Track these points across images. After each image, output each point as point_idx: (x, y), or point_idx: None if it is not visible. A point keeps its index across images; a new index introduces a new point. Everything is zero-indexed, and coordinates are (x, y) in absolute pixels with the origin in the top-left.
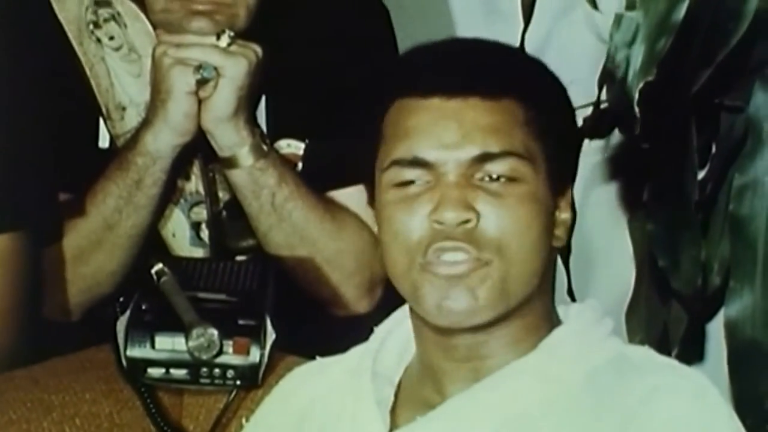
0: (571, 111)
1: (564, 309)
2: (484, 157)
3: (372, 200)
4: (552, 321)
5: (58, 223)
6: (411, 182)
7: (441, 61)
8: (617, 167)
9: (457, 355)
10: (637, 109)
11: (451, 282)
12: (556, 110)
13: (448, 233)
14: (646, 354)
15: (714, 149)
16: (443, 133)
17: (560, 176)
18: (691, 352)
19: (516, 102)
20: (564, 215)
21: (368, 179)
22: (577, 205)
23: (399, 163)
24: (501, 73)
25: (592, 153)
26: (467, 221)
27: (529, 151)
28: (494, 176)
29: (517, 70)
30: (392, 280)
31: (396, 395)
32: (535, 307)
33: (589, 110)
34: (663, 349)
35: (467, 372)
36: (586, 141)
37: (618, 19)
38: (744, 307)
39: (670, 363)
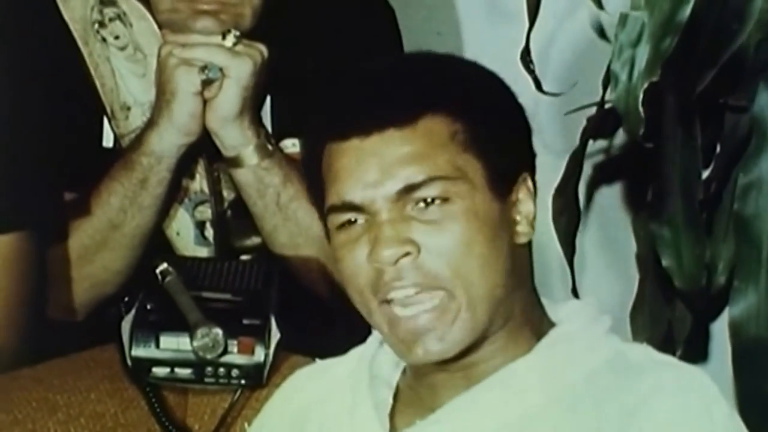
0: (511, 101)
1: (560, 307)
2: (409, 189)
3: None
4: (536, 315)
5: (62, 223)
6: (354, 221)
7: (354, 99)
8: (621, 167)
9: (447, 366)
10: (641, 109)
11: (416, 334)
12: (490, 109)
13: (392, 274)
14: (645, 352)
15: (718, 149)
16: (365, 174)
17: (507, 173)
18: (696, 352)
19: (437, 118)
20: (523, 207)
21: (323, 219)
22: (581, 205)
23: (333, 209)
24: (414, 95)
25: (596, 153)
26: (406, 254)
27: (458, 167)
28: (427, 200)
29: (433, 86)
30: None
31: (394, 398)
32: (513, 307)
33: (594, 110)
34: (667, 348)
35: (461, 380)
36: (591, 141)
37: (623, 19)
38: (748, 306)
39: (669, 361)
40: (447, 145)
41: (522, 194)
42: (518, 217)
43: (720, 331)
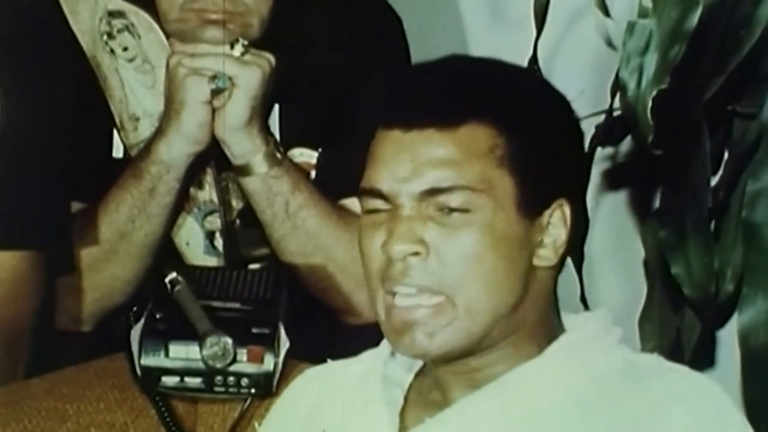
0: (565, 123)
1: (573, 318)
2: (434, 192)
3: None
4: (551, 327)
5: (70, 253)
6: (379, 210)
7: (405, 91)
8: (629, 174)
9: (457, 368)
10: (650, 117)
11: (407, 325)
12: (537, 128)
13: (400, 268)
14: (656, 361)
15: (727, 156)
16: (397, 166)
17: (541, 195)
18: (703, 359)
19: (481, 127)
20: (553, 232)
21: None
22: (589, 212)
23: (364, 192)
24: (462, 100)
25: (603, 160)
26: (415, 254)
27: (488, 180)
28: (448, 208)
29: (484, 94)
30: None
31: (405, 398)
32: (525, 321)
33: (602, 118)
34: (676, 356)
35: (471, 382)
36: (599, 148)
37: (631, 27)
38: (757, 313)
39: (681, 369)
40: (483, 157)
41: (554, 219)
42: (546, 240)
43: (727, 338)
